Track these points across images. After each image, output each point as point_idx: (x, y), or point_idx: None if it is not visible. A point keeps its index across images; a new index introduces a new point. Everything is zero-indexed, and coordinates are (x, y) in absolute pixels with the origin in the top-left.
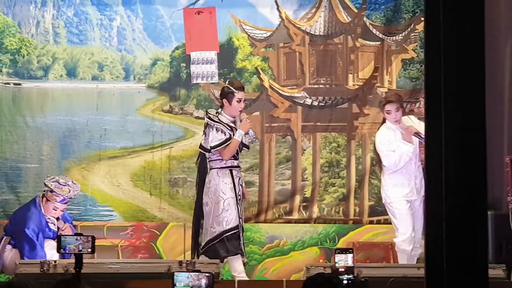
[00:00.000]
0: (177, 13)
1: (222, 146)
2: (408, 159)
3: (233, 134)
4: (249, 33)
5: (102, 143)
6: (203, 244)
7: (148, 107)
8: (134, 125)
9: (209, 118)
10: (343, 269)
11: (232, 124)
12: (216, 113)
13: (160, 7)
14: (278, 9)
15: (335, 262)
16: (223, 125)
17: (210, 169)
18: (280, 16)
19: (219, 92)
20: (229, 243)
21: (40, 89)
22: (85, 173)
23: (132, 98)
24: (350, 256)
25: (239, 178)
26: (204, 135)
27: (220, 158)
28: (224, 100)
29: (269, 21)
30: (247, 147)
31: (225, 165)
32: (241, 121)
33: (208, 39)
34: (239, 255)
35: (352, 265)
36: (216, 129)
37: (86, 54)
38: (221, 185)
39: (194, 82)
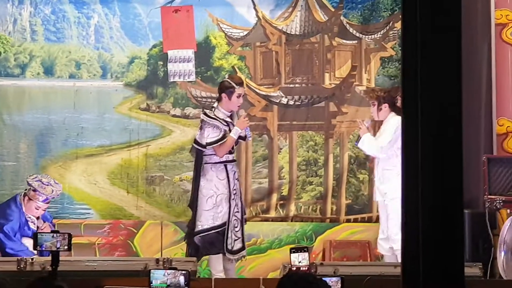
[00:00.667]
0: (155, 11)
1: (218, 143)
2: (370, 154)
3: (229, 130)
4: (226, 32)
5: (79, 141)
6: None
7: (125, 105)
8: (111, 123)
9: (205, 114)
10: (301, 268)
11: (228, 119)
12: (212, 108)
13: (138, 5)
14: (254, 8)
15: (291, 262)
16: (219, 122)
17: (205, 163)
18: (257, 16)
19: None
20: (213, 241)
21: (17, 87)
22: (62, 171)
23: (109, 96)
24: (306, 254)
25: (234, 172)
26: (199, 131)
27: (215, 153)
28: (223, 95)
29: (246, 20)
30: (243, 138)
31: (219, 160)
32: (238, 117)
33: (185, 38)
34: (220, 254)
35: (308, 264)
36: (212, 126)
37: (64, 52)
38: (214, 181)
39: (172, 80)
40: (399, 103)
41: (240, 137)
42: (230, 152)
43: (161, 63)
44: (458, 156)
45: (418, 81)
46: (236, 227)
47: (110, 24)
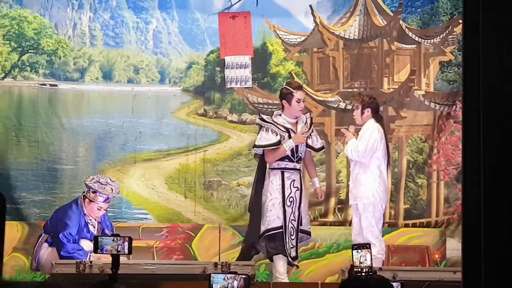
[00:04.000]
0: (212, 17)
1: (267, 148)
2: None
3: (289, 136)
4: (283, 38)
5: (137, 145)
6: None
7: (182, 111)
8: (169, 128)
9: (261, 119)
10: (364, 269)
11: (289, 126)
12: (272, 113)
13: (196, 11)
14: (312, 14)
15: (353, 260)
16: (277, 127)
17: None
18: (315, 21)
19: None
20: (269, 242)
21: (76, 91)
22: (120, 176)
23: (167, 101)
24: (368, 252)
25: (293, 180)
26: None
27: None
28: (284, 102)
29: (303, 25)
30: (317, 150)
31: (277, 166)
32: (305, 123)
33: (242, 44)
34: (281, 256)
35: (370, 264)
36: (266, 130)
37: (122, 57)
38: (269, 186)
39: (228, 86)
40: (453, 109)
41: (313, 148)
42: (291, 160)
43: (218, 69)
44: None
45: (479, 86)
46: (292, 235)
47: (169, 29)
